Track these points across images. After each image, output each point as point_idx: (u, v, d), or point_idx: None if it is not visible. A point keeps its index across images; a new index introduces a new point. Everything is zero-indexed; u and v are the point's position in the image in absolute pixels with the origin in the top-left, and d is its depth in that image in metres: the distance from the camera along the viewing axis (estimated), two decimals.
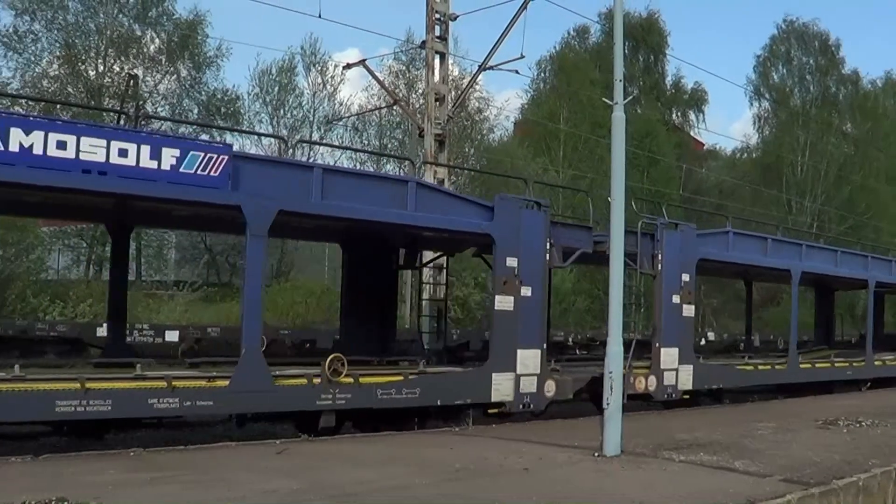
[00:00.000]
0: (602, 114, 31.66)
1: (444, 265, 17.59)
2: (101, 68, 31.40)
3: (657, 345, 15.10)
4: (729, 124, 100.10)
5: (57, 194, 9.87)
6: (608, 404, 10.15)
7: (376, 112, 35.69)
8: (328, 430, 11.24)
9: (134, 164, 9.46)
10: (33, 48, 30.20)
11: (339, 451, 10.11)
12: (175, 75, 33.58)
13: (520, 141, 40.99)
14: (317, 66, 37.57)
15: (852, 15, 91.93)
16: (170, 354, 16.11)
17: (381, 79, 28.71)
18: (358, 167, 30.63)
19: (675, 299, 15.31)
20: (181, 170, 9.78)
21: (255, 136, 34.42)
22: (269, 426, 12.30)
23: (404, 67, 36.19)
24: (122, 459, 9.02)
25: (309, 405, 10.88)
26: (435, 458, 9.72)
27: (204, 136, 31.50)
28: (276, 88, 36.76)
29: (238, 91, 35.47)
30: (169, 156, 9.68)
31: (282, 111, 36.88)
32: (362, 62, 22.75)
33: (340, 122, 37.00)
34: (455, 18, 20.05)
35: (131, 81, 31.35)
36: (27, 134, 8.86)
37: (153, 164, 9.60)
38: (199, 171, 9.89)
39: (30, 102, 26.78)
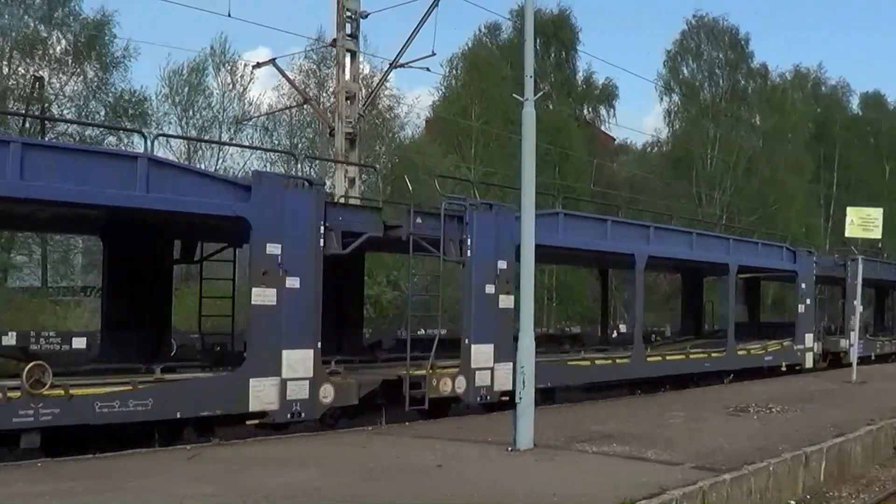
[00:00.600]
0: (514, 110, 31.51)
1: (233, 259, 14.90)
2: (5, 70, 30.54)
3: (466, 341, 13.46)
4: (639, 119, 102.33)
5: None
6: (521, 399, 10.07)
7: (286, 111, 35.26)
8: (34, 452, 9.55)
9: None
10: None
11: (253, 454, 9.83)
12: (82, 77, 32.83)
13: (431, 138, 40.94)
14: (226, 65, 37.18)
15: (761, 9, 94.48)
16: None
17: (292, 78, 28.23)
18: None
19: (490, 289, 13.67)
20: None
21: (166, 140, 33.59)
22: None
23: (315, 66, 36.03)
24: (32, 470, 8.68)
25: (4, 423, 9.05)
26: (350, 457, 9.62)
27: (111, 139, 30.76)
28: (187, 89, 36.13)
29: (146, 92, 34.93)
30: None
31: (191, 112, 36.42)
32: (272, 61, 22.12)
33: (250, 122, 36.47)
34: (366, 16, 19.69)
35: (37, 84, 30.39)
36: None
37: None
38: None
39: None
